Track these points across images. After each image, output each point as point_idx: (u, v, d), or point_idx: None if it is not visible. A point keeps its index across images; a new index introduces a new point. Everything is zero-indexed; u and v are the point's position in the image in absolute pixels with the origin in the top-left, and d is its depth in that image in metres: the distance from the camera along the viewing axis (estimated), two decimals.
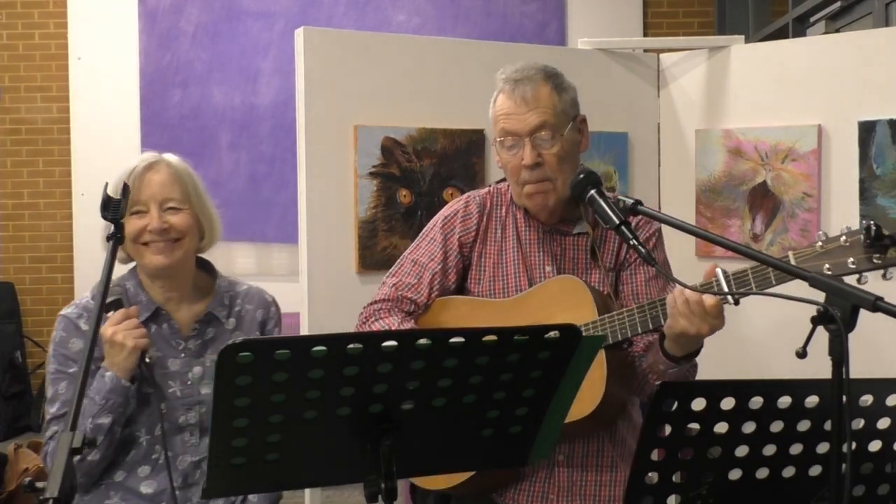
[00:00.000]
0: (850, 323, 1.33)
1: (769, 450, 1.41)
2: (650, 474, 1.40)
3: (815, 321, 1.35)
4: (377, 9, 5.65)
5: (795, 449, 1.42)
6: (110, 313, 1.89)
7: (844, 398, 1.31)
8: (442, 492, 2.11)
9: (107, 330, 1.86)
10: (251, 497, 2.02)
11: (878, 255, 1.63)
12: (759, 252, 1.66)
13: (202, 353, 2.02)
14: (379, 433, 1.37)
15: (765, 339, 3.01)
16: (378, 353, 1.30)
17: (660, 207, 3.24)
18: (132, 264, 2.05)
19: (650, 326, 1.90)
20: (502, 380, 1.40)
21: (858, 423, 1.41)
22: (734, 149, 3.13)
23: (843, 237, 1.69)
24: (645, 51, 3.63)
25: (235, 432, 1.32)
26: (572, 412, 1.87)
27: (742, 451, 1.41)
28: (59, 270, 5.78)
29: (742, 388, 1.37)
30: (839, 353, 1.31)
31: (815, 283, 1.43)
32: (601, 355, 1.92)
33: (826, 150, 2.97)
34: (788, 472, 1.43)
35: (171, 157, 2.03)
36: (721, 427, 1.39)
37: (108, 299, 1.87)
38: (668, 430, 1.38)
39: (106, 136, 5.46)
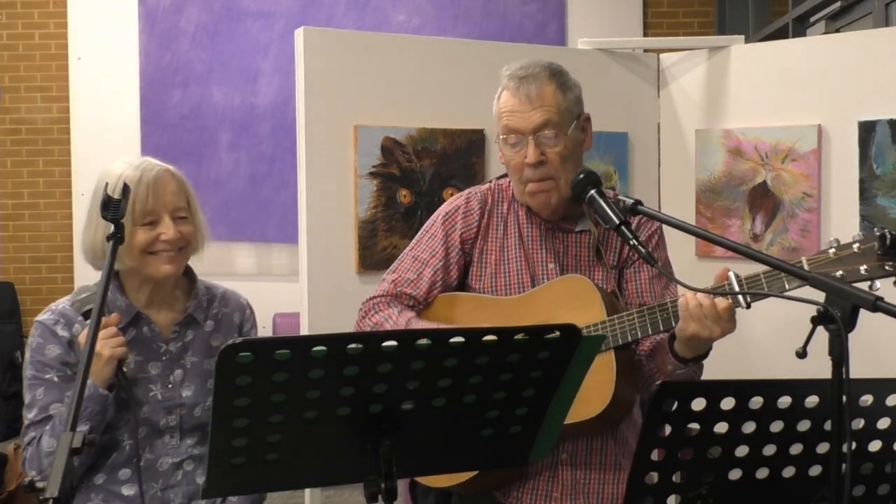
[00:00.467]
0: (850, 323, 1.33)
1: (769, 450, 1.41)
2: (650, 474, 1.40)
3: (815, 321, 1.35)
4: (377, 9, 5.65)
5: (795, 449, 1.42)
6: (88, 321, 1.87)
7: (844, 398, 1.31)
8: (444, 489, 2.11)
9: (83, 338, 1.85)
10: (231, 497, 2.02)
11: (890, 263, 1.66)
12: (759, 252, 1.66)
13: (182, 356, 2.02)
14: (379, 433, 1.37)
15: (765, 339, 3.01)
16: (378, 353, 1.30)
17: (660, 207, 3.24)
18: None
19: (661, 328, 1.89)
20: (502, 380, 1.40)
21: (858, 423, 1.41)
22: (734, 149, 3.13)
23: (856, 244, 1.70)
24: (645, 51, 3.63)
25: (235, 432, 1.32)
26: (581, 413, 1.88)
27: (742, 451, 1.41)
28: (59, 270, 5.79)
29: (742, 388, 1.37)
30: (839, 353, 1.31)
31: (815, 283, 1.43)
32: (610, 356, 1.92)
33: (826, 150, 2.97)
34: (788, 472, 1.43)
35: (169, 166, 2.01)
36: (721, 427, 1.39)
37: (88, 306, 1.85)
38: (668, 430, 1.38)
39: (106, 136, 5.46)
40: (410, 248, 2.17)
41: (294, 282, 3.02)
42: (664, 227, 2.12)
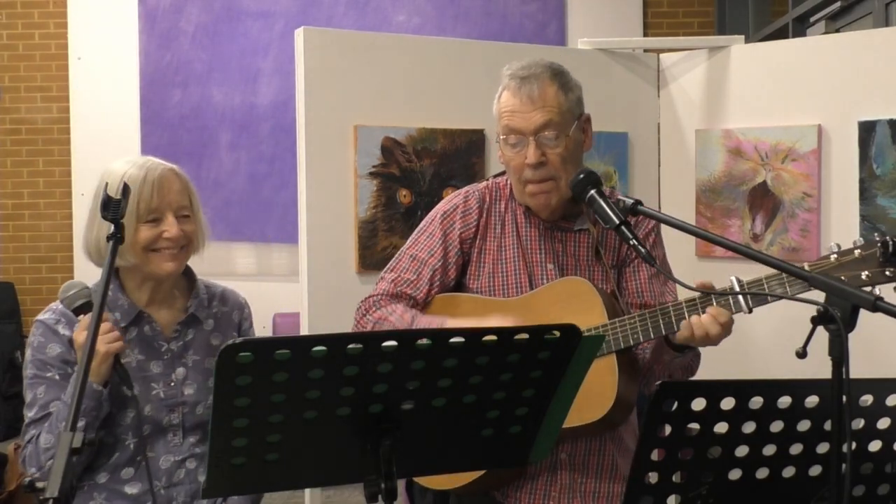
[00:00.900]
0: (850, 323, 1.33)
1: (769, 450, 1.41)
2: (650, 474, 1.40)
3: (815, 321, 1.35)
4: (377, 9, 5.65)
5: (795, 449, 1.42)
6: (80, 316, 1.87)
7: (844, 398, 1.31)
8: (441, 489, 2.11)
9: (80, 335, 1.84)
10: (232, 497, 2.02)
11: (891, 269, 1.69)
12: (759, 252, 1.66)
13: (184, 355, 2.03)
14: (379, 433, 1.37)
15: (765, 339, 3.01)
16: (378, 353, 1.29)
17: (660, 207, 3.24)
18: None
19: (663, 332, 1.89)
20: (502, 380, 1.40)
21: (858, 423, 1.41)
22: (734, 149, 3.13)
23: (857, 250, 1.73)
24: (645, 51, 3.63)
25: (235, 432, 1.32)
26: (585, 416, 1.89)
27: (742, 451, 1.41)
28: (59, 270, 5.78)
29: (742, 388, 1.37)
30: (839, 353, 1.31)
31: (814, 283, 1.43)
32: (612, 359, 1.92)
33: (826, 150, 2.97)
34: (788, 472, 1.43)
35: (172, 165, 2.02)
36: (721, 427, 1.39)
37: (78, 302, 1.86)
38: (668, 430, 1.38)
39: (106, 136, 5.46)
40: (408, 247, 2.15)
41: (294, 282, 3.02)
42: (664, 226, 2.12)
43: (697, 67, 3.24)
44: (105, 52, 5.61)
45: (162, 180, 1.96)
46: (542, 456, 1.55)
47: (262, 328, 5.03)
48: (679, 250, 3.05)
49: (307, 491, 2.92)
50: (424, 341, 1.31)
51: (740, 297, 1.79)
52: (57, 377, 1.93)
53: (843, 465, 1.32)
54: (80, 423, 1.83)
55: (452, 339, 1.32)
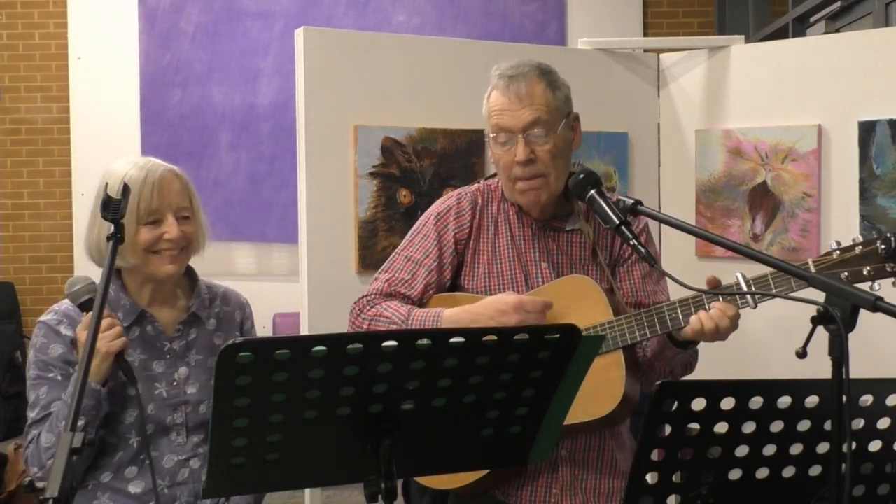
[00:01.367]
0: (850, 323, 1.33)
1: (769, 450, 1.41)
2: (650, 474, 1.40)
3: (815, 321, 1.35)
4: (377, 9, 5.65)
5: (795, 449, 1.42)
6: (85, 313, 1.86)
7: (844, 398, 1.31)
8: (439, 488, 2.11)
9: (82, 333, 1.84)
10: (234, 497, 2.02)
11: (891, 265, 1.73)
12: (759, 252, 1.67)
13: (186, 354, 2.03)
14: (379, 433, 1.37)
15: (765, 338, 3.01)
16: (378, 353, 1.30)
17: (660, 207, 3.24)
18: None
19: (669, 328, 1.91)
20: (502, 380, 1.40)
21: (858, 423, 1.41)
22: (734, 149, 3.13)
23: (858, 247, 1.77)
24: (645, 51, 3.63)
25: (235, 432, 1.32)
26: (592, 411, 1.90)
27: (742, 451, 1.41)
28: (59, 270, 5.78)
29: (742, 388, 1.37)
30: (839, 353, 1.31)
31: (815, 283, 1.43)
32: (618, 355, 1.93)
33: (826, 150, 2.97)
34: (788, 472, 1.43)
35: (173, 166, 2.02)
36: (721, 427, 1.39)
37: (84, 298, 1.85)
38: (668, 430, 1.38)
39: (106, 136, 5.46)
40: (402, 249, 2.16)
41: (294, 282, 3.02)
42: (664, 227, 2.13)
43: (697, 67, 3.24)
44: (105, 52, 5.61)
45: (162, 181, 1.96)
46: (542, 456, 1.55)
47: (262, 328, 5.03)
48: (679, 250, 3.06)
49: (307, 491, 2.92)
50: (424, 341, 1.31)
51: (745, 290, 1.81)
52: (59, 377, 1.94)
53: (843, 465, 1.32)
54: (80, 423, 1.83)
55: (452, 339, 1.32)
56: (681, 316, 1.88)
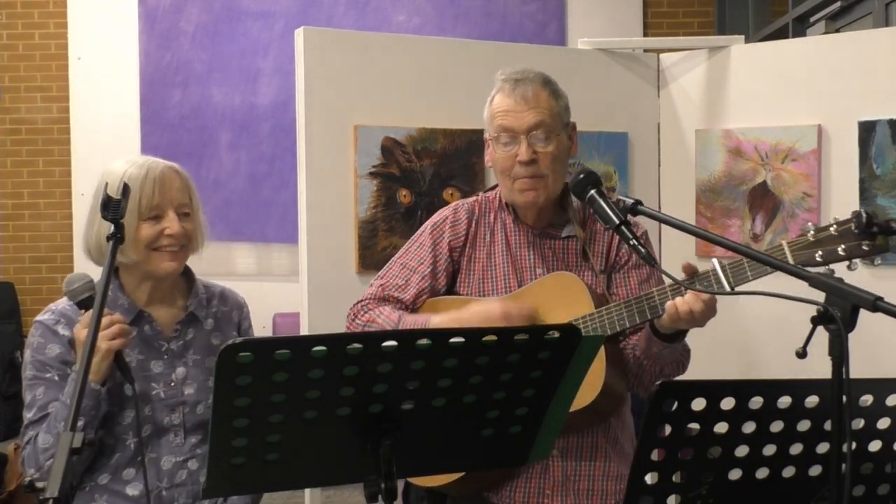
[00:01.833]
0: (850, 323, 1.33)
1: (769, 450, 1.41)
2: (650, 474, 1.40)
3: (815, 321, 1.35)
4: (377, 9, 5.65)
5: (795, 449, 1.42)
6: (83, 312, 1.85)
7: (844, 398, 1.31)
8: (437, 490, 2.12)
9: (80, 331, 1.83)
10: (232, 497, 2.02)
11: (867, 243, 1.68)
12: (759, 252, 1.67)
13: (184, 354, 2.02)
14: (379, 433, 1.37)
15: (764, 338, 3.01)
16: (378, 353, 1.30)
17: (660, 207, 3.24)
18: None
19: (648, 316, 1.94)
20: (502, 380, 1.40)
21: (858, 423, 1.41)
22: (734, 149, 3.13)
23: (833, 227, 1.74)
24: (645, 51, 3.63)
25: (235, 432, 1.32)
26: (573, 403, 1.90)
27: (742, 451, 1.41)
28: (59, 270, 5.78)
29: (742, 388, 1.37)
30: (839, 353, 1.31)
31: (815, 283, 1.43)
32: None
33: (826, 150, 2.97)
34: (788, 472, 1.43)
35: (173, 164, 2.02)
36: (721, 427, 1.39)
37: (83, 296, 1.84)
38: (668, 430, 1.38)
39: (106, 136, 5.46)
40: (399, 257, 2.22)
41: (294, 282, 3.02)
42: (664, 227, 2.13)
43: (697, 67, 3.24)
44: (105, 52, 5.61)
45: (163, 177, 1.96)
46: (542, 456, 1.55)
47: (262, 328, 5.03)
48: (679, 250, 3.06)
49: (307, 491, 2.92)
50: (424, 341, 1.31)
51: (721, 276, 1.82)
52: (56, 378, 1.93)
53: (843, 465, 1.32)
54: (80, 422, 1.83)
55: (452, 339, 1.32)
56: (658, 304, 1.91)
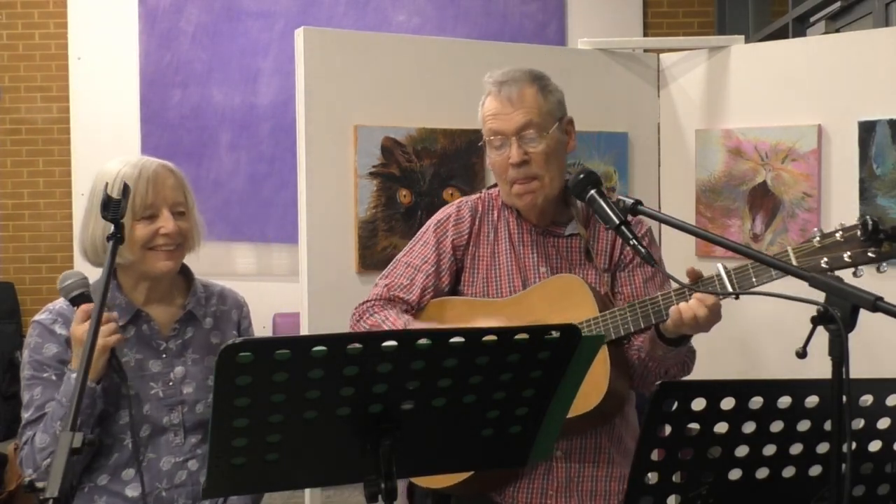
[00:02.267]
0: (850, 323, 1.33)
1: (769, 450, 1.41)
2: (650, 474, 1.40)
3: (815, 321, 1.35)
4: (377, 9, 5.65)
5: (795, 449, 1.42)
6: (76, 308, 1.85)
7: (844, 398, 1.31)
8: (441, 491, 2.12)
9: (76, 328, 1.82)
10: (232, 497, 2.01)
11: (873, 249, 1.68)
12: (759, 252, 1.67)
13: (183, 353, 2.02)
14: (379, 433, 1.37)
15: (764, 338, 3.01)
16: (378, 353, 1.30)
17: (660, 207, 3.24)
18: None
19: (652, 321, 1.93)
20: (502, 380, 1.40)
21: (858, 423, 1.41)
22: (734, 149, 3.13)
23: (839, 233, 1.73)
24: (645, 51, 3.63)
25: (235, 432, 1.32)
26: (578, 407, 1.89)
27: (742, 451, 1.41)
28: (59, 270, 5.66)
29: (742, 388, 1.37)
30: (839, 353, 1.31)
31: (815, 283, 1.43)
32: (604, 351, 1.94)
33: (826, 150, 2.97)
34: (788, 472, 1.43)
35: (167, 162, 2.02)
36: (721, 427, 1.39)
37: (75, 292, 1.84)
38: (668, 430, 1.38)
39: (106, 136, 5.45)
40: (403, 255, 2.21)
41: (294, 282, 3.02)
42: (664, 227, 2.13)
43: (697, 67, 3.24)
44: (105, 52, 5.60)
45: (157, 176, 1.95)
46: (542, 456, 1.55)
47: (262, 328, 5.03)
48: (679, 250, 3.06)
49: (307, 491, 2.92)
50: (424, 341, 1.31)
51: (726, 281, 1.81)
52: (54, 377, 1.92)
53: (843, 465, 1.32)
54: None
55: (452, 340, 1.32)
56: (663, 308, 1.90)
